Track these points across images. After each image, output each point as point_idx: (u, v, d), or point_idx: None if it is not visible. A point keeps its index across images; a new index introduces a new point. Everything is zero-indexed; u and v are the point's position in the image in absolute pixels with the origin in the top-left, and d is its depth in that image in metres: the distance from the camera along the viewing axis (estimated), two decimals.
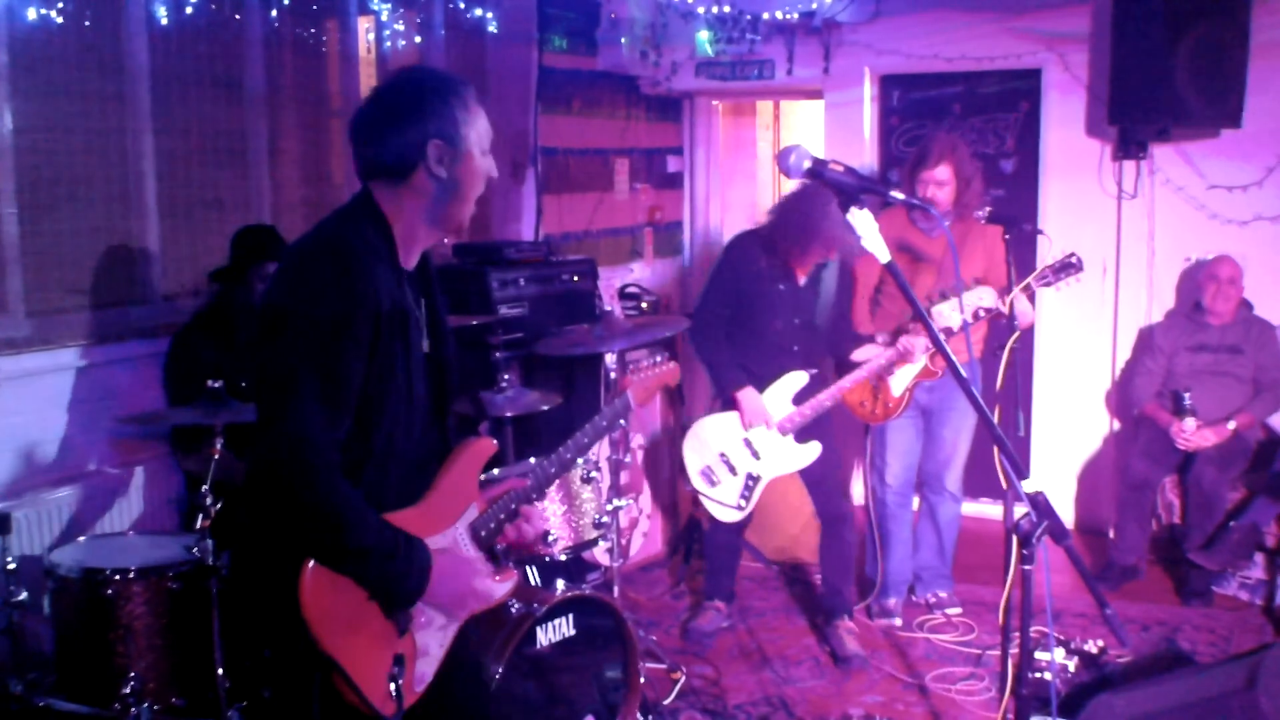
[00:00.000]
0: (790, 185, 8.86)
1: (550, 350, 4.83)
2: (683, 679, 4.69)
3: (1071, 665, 4.62)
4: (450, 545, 2.54)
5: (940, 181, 4.83)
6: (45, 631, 3.61)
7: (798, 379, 4.83)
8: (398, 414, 2.39)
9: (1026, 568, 2.36)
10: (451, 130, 2.40)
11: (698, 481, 4.91)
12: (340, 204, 2.50)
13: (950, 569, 5.47)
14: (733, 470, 4.87)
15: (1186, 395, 5.56)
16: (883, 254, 2.34)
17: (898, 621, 5.29)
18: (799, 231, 4.64)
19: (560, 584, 3.89)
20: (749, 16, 6.75)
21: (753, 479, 4.86)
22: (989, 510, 6.43)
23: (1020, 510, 2.32)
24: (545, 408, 4.59)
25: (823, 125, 7.16)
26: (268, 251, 4.21)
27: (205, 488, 3.43)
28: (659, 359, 3.18)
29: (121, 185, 4.53)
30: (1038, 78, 6.53)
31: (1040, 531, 2.28)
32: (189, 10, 4.60)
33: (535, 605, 3.73)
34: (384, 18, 5.56)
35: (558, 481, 4.06)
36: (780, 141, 9.06)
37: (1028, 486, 2.27)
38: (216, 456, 3.49)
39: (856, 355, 4.85)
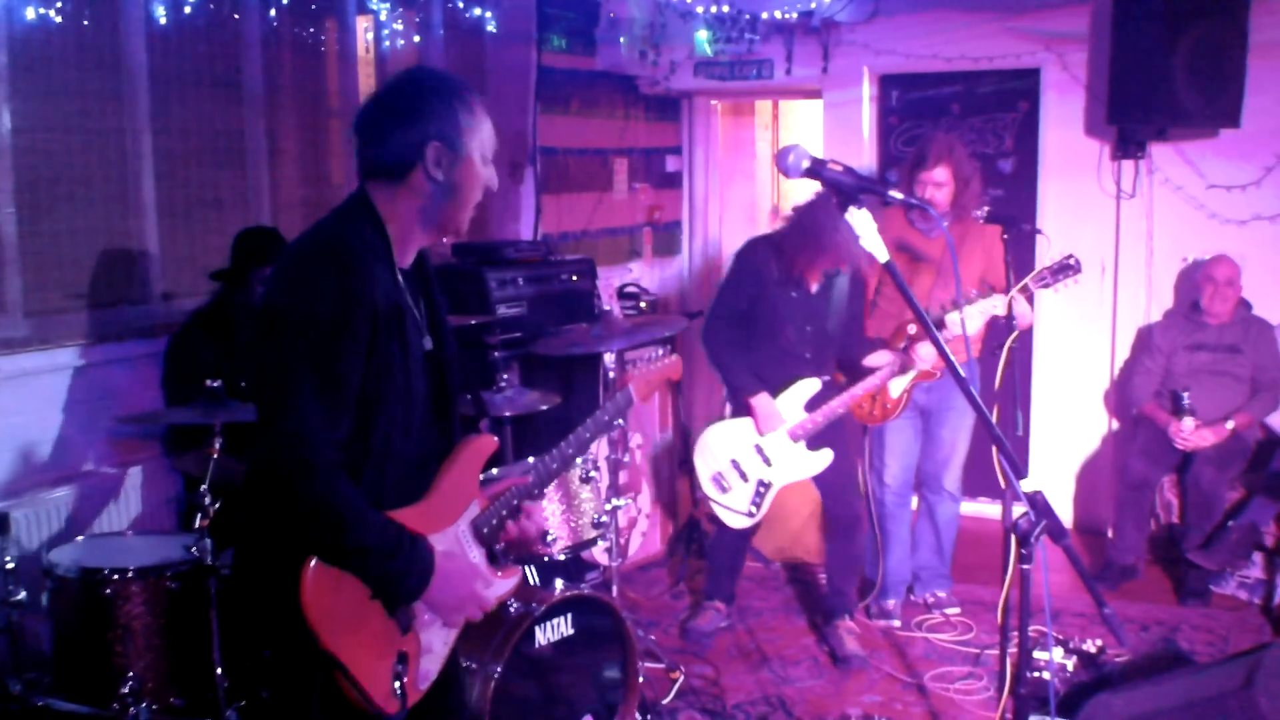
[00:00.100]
0: (790, 185, 8.94)
1: (549, 350, 4.83)
2: (681, 678, 4.69)
3: (1070, 665, 4.62)
4: (452, 543, 2.54)
5: (938, 183, 4.83)
6: (44, 631, 3.61)
7: (810, 386, 4.81)
8: (396, 413, 2.39)
9: (1025, 567, 2.36)
10: (452, 133, 2.40)
11: (708, 487, 4.90)
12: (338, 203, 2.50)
13: (949, 569, 5.47)
14: (744, 477, 4.86)
15: (1185, 395, 5.56)
16: (881, 254, 2.34)
17: (896, 623, 5.30)
18: (809, 243, 4.61)
19: (559, 584, 3.90)
20: (748, 16, 6.75)
21: (764, 486, 4.85)
22: (987, 510, 6.43)
23: (1019, 510, 2.32)
24: (544, 408, 4.59)
25: (821, 125, 7.16)
26: (269, 254, 4.20)
27: (203, 487, 3.43)
28: (661, 353, 3.17)
29: (120, 185, 4.53)
30: (1036, 77, 6.53)
31: (1039, 531, 2.28)
32: (187, 10, 4.60)
33: (534, 605, 3.73)
34: (383, 17, 5.56)
35: (556, 481, 4.07)
36: (779, 141, 9.06)
37: (1026, 486, 2.27)
38: (215, 457, 3.49)
39: (869, 361, 4.82)
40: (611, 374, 4.63)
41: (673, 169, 7.92)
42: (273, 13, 5.05)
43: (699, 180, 8.04)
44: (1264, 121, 5.97)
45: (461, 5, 5.97)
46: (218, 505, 3.44)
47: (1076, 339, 6.57)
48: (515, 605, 3.72)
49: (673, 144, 7.92)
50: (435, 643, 2.52)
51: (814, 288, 4.80)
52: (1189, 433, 5.53)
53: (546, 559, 4.13)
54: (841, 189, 2.35)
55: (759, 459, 4.84)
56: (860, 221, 2.33)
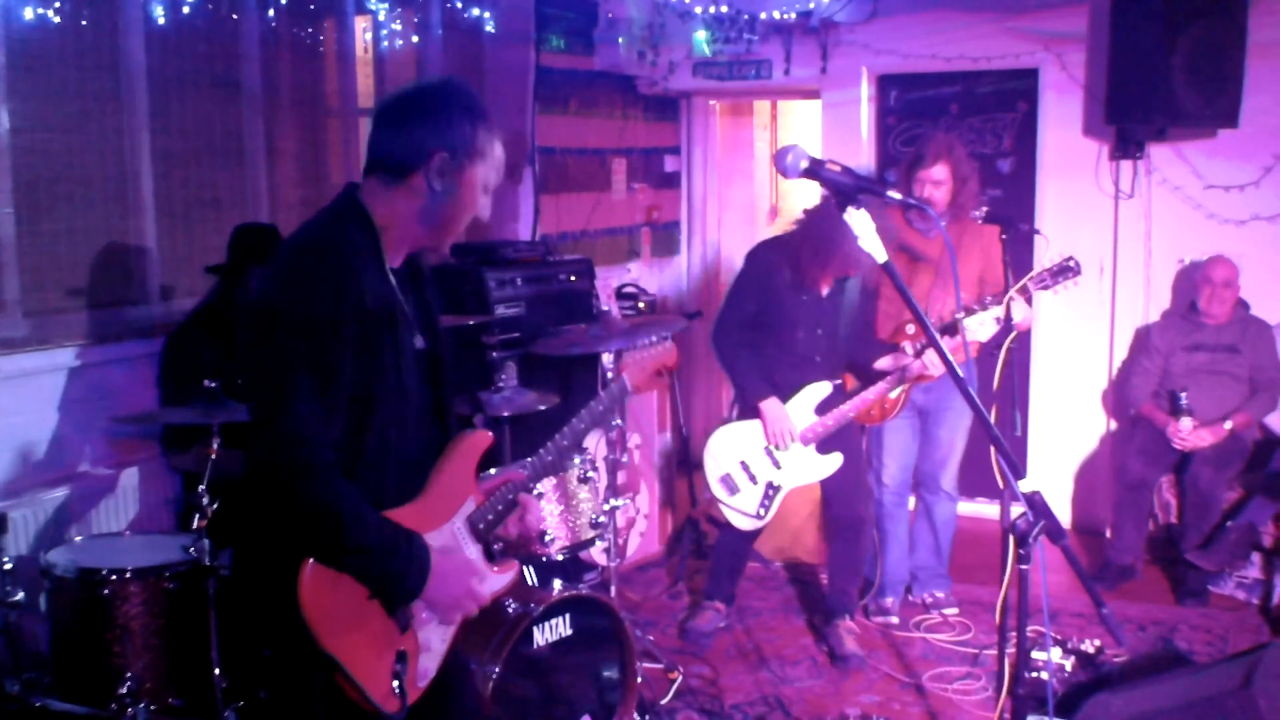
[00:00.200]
0: (789, 185, 8.94)
1: (547, 350, 4.82)
2: (680, 679, 4.69)
3: (1068, 665, 4.62)
4: (449, 539, 2.54)
5: (937, 181, 4.83)
6: (42, 631, 3.61)
7: (820, 389, 4.80)
8: (390, 411, 2.39)
9: (1023, 567, 2.37)
10: (462, 150, 2.40)
11: (717, 489, 4.90)
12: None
13: (947, 568, 5.47)
14: (753, 479, 4.86)
15: (1183, 395, 5.56)
16: (880, 254, 2.34)
17: (895, 619, 5.30)
18: (820, 246, 4.59)
19: (557, 584, 3.89)
20: (746, 16, 6.75)
21: (773, 488, 4.84)
22: (986, 510, 6.42)
23: (1017, 510, 2.32)
24: (542, 407, 4.59)
25: (820, 125, 7.16)
26: (266, 251, 4.20)
27: (201, 487, 3.43)
28: (654, 339, 3.16)
29: (119, 185, 4.53)
30: (1035, 78, 6.53)
31: (1037, 531, 2.28)
32: (186, 10, 4.60)
33: (532, 605, 3.73)
34: (381, 17, 5.56)
35: (555, 482, 4.07)
36: (778, 141, 9.06)
37: (1024, 486, 2.27)
38: (214, 456, 3.48)
39: (880, 364, 4.80)
40: (610, 374, 4.63)
41: (671, 169, 7.92)
42: (271, 13, 5.05)
43: (697, 180, 8.04)
44: (1262, 122, 5.97)
45: (460, 5, 5.97)
46: (216, 505, 3.43)
47: (1075, 339, 6.57)
48: (513, 605, 3.72)
49: (671, 144, 7.91)
50: (434, 641, 2.52)
51: (825, 291, 4.77)
52: (1187, 433, 5.54)
53: (545, 559, 4.13)
54: (840, 189, 2.35)
55: (768, 461, 4.84)
56: (859, 222, 2.33)
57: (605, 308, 6.02)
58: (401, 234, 2.46)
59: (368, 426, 2.36)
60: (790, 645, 5.14)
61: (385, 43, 5.61)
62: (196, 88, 4.79)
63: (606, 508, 4.31)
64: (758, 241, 5.09)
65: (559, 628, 3.84)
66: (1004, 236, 4.48)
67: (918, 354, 4.73)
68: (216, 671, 3.44)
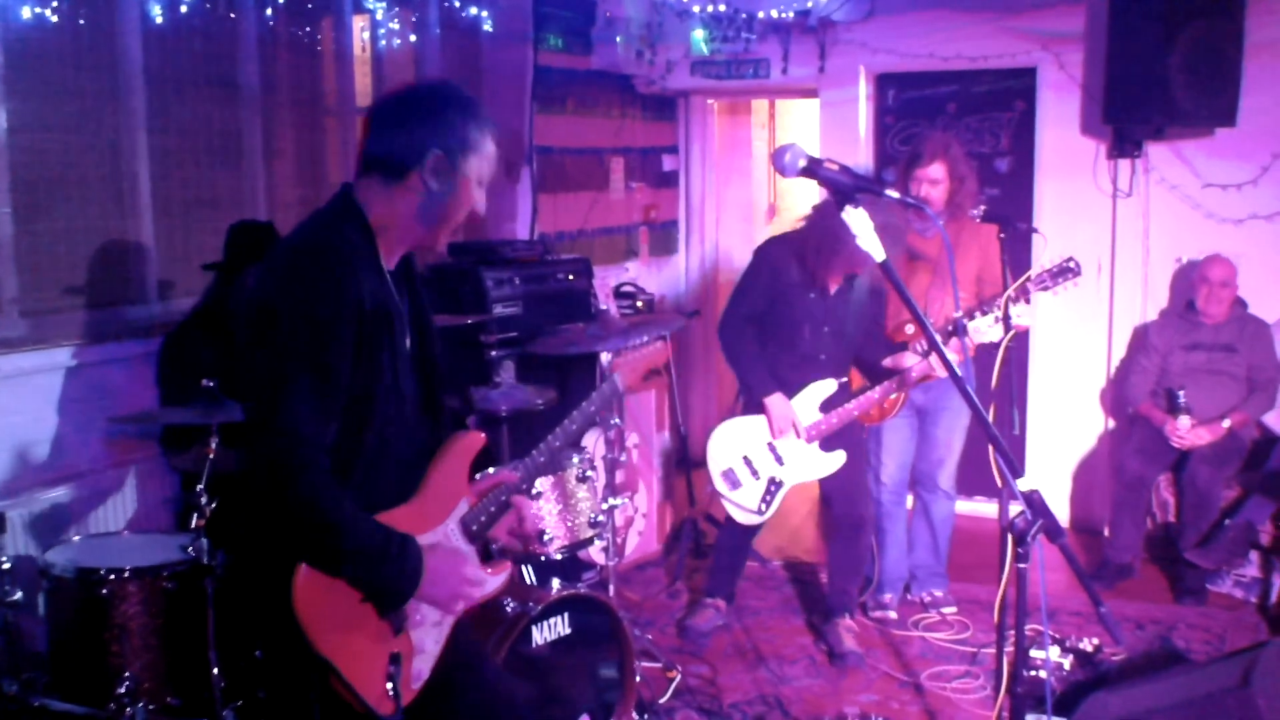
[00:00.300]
0: (787, 184, 8.94)
1: (545, 349, 4.82)
2: (678, 678, 4.69)
3: (1066, 663, 4.63)
4: (442, 541, 2.54)
5: (934, 180, 4.83)
6: (40, 631, 3.61)
7: (826, 387, 4.79)
8: (387, 412, 2.39)
9: (1022, 566, 2.37)
10: (457, 148, 2.41)
11: (719, 483, 4.89)
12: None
13: (945, 567, 5.47)
14: (755, 474, 4.86)
15: (1181, 393, 5.57)
16: (878, 252, 2.34)
17: (893, 614, 5.30)
18: (827, 244, 4.58)
19: (556, 583, 3.89)
20: (744, 15, 6.75)
21: (775, 484, 4.84)
22: (984, 509, 6.43)
23: (1015, 509, 2.32)
24: (540, 406, 4.59)
25: (818, 124, 7.17)
26: (264, 250, 4.19)
27: (200, 487, 3.42)
28: (645, 339, 3.16)
29: (116, 184, 4.52)
30: (1033, 77, 6.54)
31: (1035, 530, 2.28)
32: (184, 9, 4.59)
33: (531, 604, 3.73)
34: (379, 17, 5.56)
35: (553, 481, 4.07)
36: (776, 140, 9.07)
37: (1023, 485, 2.27)
38: (212, 455, 3.48)
39: (888, 363, 4.78)
40: (610, 365, 4.63)
41: (669, 168, 7.92)
42: (269, 12, 5.05)
43: (695, 179, 8.04)
44: (1260, 121, 5.98)
45: (458, 4, 5.97)
46: (214, 505, 3.43)
47: (1073, 338, 6.57)
48: (512, 605, 3.72)
49: (669, 143, 7.91)
50: (427, 643, 2.52)
51: (833, 290, 4.76)
52: (1185, 431, 5.54)
53: (543, 558, 4.13)
54: (838, 188, 2.35)
55: (771, 457, 4.84)
56: (857, 220, 2.33)
57: (603, 307, 6.02)
58: (399, 234, 2.47)
59: (364, 427, 2.36)
60: (789, 644, 5.14)
61: (383, 42, 5.60)
62: (194, 87, 4.79)
63: (605, 507, 4.31)
64: (766, 238, 5.07)
65: (558, 627, 3.84)
66: (1002, 235, 4.48)
67: (925, 354, 4.72)
68: (215, 671, 3.44)
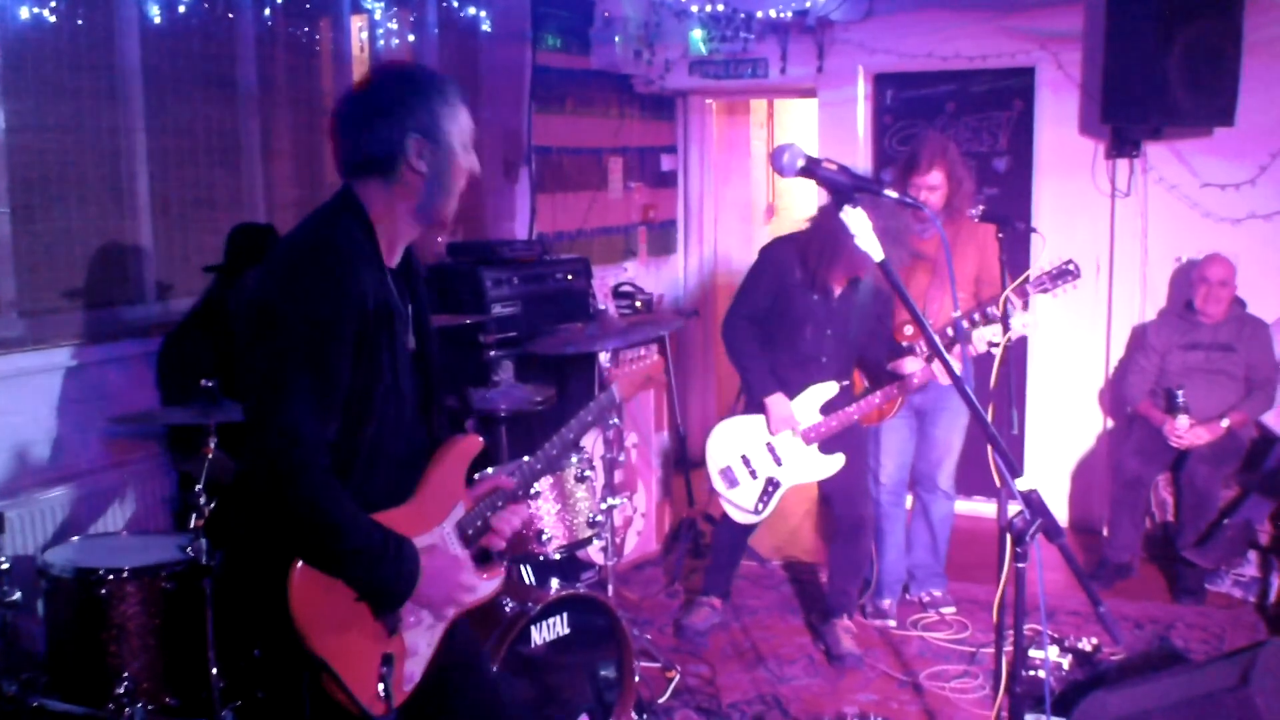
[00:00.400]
0: (786, 184, 8.94)
1: (544, 349, 4.82)
2: (677, 677, 4.69)
3: (1065, 663, 4.63)
4: (438, 544, 2.54)
5: (933, 186, 4.83)
6: (38, 632, 3.60)
7: (827, 389, 4.79)
8: (385, 412, 2.39)
9: (1020, 566, 2.37)
10: (430, 125, 2.41)
11: (717, 481, 4.90)
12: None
13: (944, 567, 5.47)
14: (753, 473, 4.86)
15: (1180, 393, 5.57)
16: (877, 253, 2.34)
17: (892, 622, 5.30)
18: (826, 247, 4.58)
19: (555, 583, 3.89)
20: (742, 15, 6.75)
21: (773, 484, 4.84)
22: (983, 508, 6.43)
23: (1014, 508, 2.32)
24: (539, 406, 4.59)
25: (816, 124, 7.17)
26: (264, 251, 4.19)
27: (199, 487, 3.42)
28: (643, 352, 3.17)
29: (114, 184, 4.52)
30: (1031, 76, 6.54)
31: (1034, 529, 2.28)
32: (181, 9, 4.59)
33: (530, 604, 3.72)
34: (377, 16, 5.56)
35: (552, 480, 4.07)
36: (774, 140, 9.07)
37: (1021, 485, 2.27)
38: (210, 456, 3.48)
39: (891, 367, 4.77)
40: (607, 373, 4.63)
41: (668, 168, 7.92)
42: (267, 12, 5.04)
43: (694, 179, 8.04)
44: (1258, 120, 5.98)
45: (456, 4, 5.97)
46: (213, 505, 3.43)
47: (1071, 338, 6.57)
48: (511, 605, 3.72)
49: (668, 143, 7.91)
50: (420, 644, 2.52)
51: (836, 292, 4.74)
52: (1184, 431, 5.54)
53: (542, 558, 4.13)
54: (836, 188, 2.35)
55: (770, 457, 4.84)
56: (855, 220, 2.33)
57: (602, 307, 6.02)
58: (399, 227, 2.46)
59: (363, 426, 2.36)
60: (787, 644, 5.14)
61: (381, 42, 5.60)
62: (192, 87, 4.78)
63: (604, 507, 4.31)
64: (771, 239, 5.07)
65: (556, 627, 3.84)
66: (1000, 235, 4.48)
67: (928, 358, 4.72)
68: (214, 671, 3.44)
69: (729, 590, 5.31)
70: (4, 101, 4.07)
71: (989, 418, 2.58)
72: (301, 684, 2.36)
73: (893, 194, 2.43)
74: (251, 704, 3.56)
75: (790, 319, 4.77)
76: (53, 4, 4.17)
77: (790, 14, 6.69)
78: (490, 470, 2.76)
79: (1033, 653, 4.33)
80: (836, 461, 4.82)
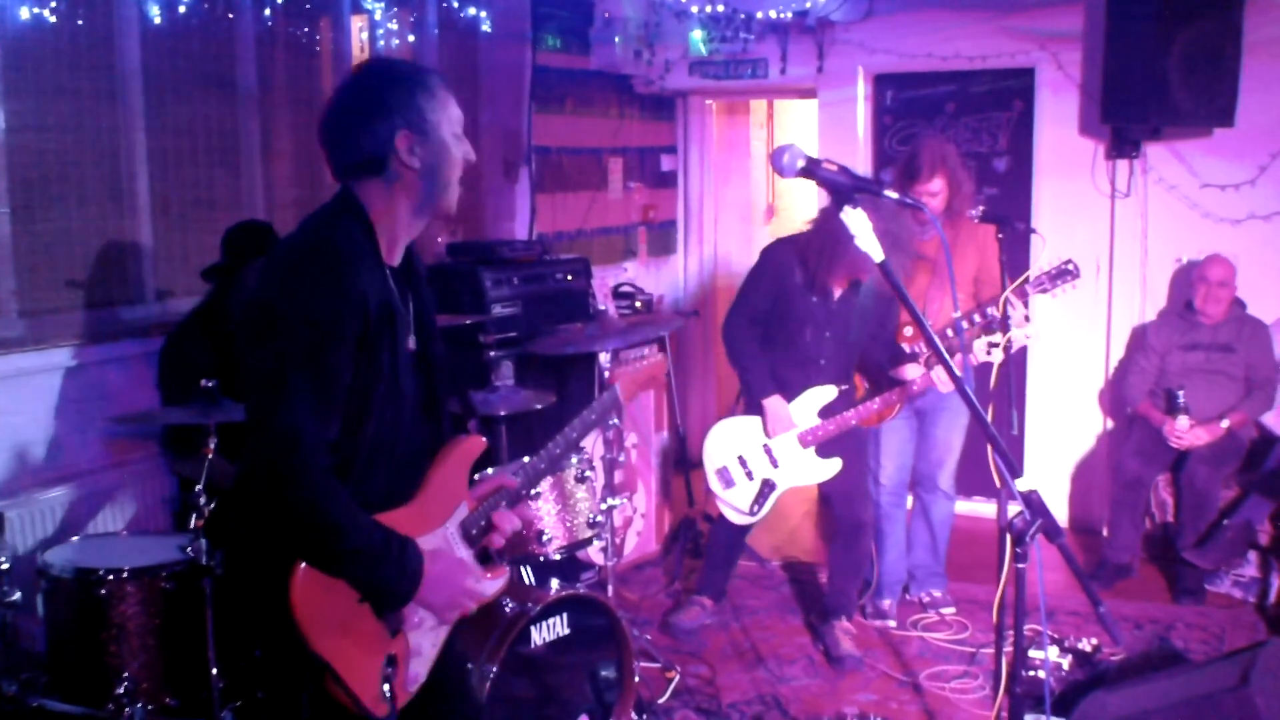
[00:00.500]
0: (785, 185, 8.94)
1: (544, 349, 4.82)
2: (677, 678, 4.69)
3: (1065, 663, 4.63)
4: (441, 544, 2.53)
5: (934, 193, 4.83)
6: (38, 632, 3.60)
7: (825, 393, 4.77)
8: (385, 413, 2.38)
9: (1020, 566, 2.37)
10: (418, 119, 2.39)
11: (713, 481, 4.89)
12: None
13: (944, 567, 5.47)
14: (750, 475, 4.85)
15: (1180, 393, 5.57)
16: (876, 254, 2.34)
17: (892, 623, 5.30)
18: (826, 248, 4.57)
19: (554, 583, 3.89)
20: (742, 15, 6.75)
21: (769, 486, 4.83)
22: (983, 509, 6.43)
23: (1014, 509, 2.32)
24: (539, 407, 4.59)
25: (816, 124, 7.17)
26: (261, 248, 4.19)
27: (199, 487, 3.42)
28: (646, 352, 3.16)
29: (114, 184, 4.52)
30: (1031, 77, 6.54)
31: (1034, 530, 2.28)
32: (181, 9, 4.59)
33: (530, 604, 3.72)
34: (377, 17, 5.56)
35: (552, 481, 4.07)
36: (774, 140, 9.07)
37: (1021, 485, 2.27)
38: (210, 456, 3.48)
39: (894, 372, 4.75)
40: (606, 373, 4.63)
41: (668, 168, 7.92)
42: (267, 12, 5.04)
43: (694, 179, 8.04)
44: (1258, 120, 5.98)
45: (456, 5, 5.96)
46: (213, 505, 3.43)
47: (1071, 338, 6.57)
48: (511, 605, 3.72)
49: (668, 143, 7.91)
50: (424, 645, 2.52)
51: (837, 294, 4.73)
52: (1183, 431, 5.54)
53: (542, 559, 4.13)
54: (836, 188, 2.35)
55: (766, 459, 4.84)
56: (855, 221, 2.33)
57: (602, 307, 6.02)
58: (399, 225, 2.45)
59: (363, 426, 2.35)
60: (787, 644, 5.14)
61: (381, 42, 5.60)
62: (192, 87, 4.79)
63: (604, 507, 4.31)
64: (773, 239, 5.06)
65: (556, 627, 3.84)
66: (1000, 235, 4.49)
67: (926, 361, 4.71)
68: (213, 671, 3.44)
69: (723, 590, 5.30)
70: (4, 101, 4.08)
71: (989, 418, 2.58)
72: (303, 685, 2.35)
73: (893, 195, 2.43)
74: (251, 704, 3.56)
75: (789, 320, 4.76)
76: (53, 4, 4.17)
77: (790, 14, 6.69)
78: (490, 471, 2.76)
79: (1033, 653, 4.34)
80: (833, 465, 4.81)
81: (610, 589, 4.56)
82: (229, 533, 3.42)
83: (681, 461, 6.31)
